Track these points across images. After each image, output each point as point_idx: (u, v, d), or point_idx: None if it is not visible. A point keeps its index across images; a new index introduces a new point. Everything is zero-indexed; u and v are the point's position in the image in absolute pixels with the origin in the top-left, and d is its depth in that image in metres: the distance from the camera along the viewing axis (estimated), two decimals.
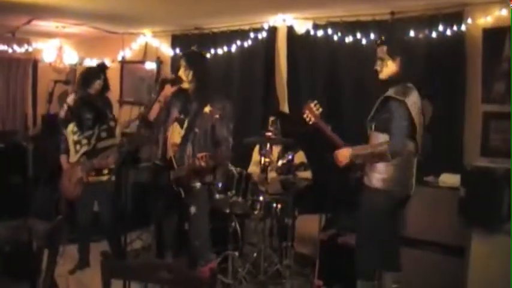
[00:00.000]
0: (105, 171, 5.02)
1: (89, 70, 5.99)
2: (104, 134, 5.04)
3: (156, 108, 4.36)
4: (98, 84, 5.78)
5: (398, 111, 3.59)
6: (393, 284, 3.93)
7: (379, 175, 3.74)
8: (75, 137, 5.06)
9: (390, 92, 3.70)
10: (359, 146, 3.80)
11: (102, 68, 6.01)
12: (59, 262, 3.07)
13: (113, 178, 4.98)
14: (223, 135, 4.08)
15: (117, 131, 5.15)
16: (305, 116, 4.08)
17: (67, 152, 5.15)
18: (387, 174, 3.72)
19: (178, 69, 4.26)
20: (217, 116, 4.04)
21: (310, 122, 4.06)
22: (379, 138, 3.70)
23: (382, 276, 3.98)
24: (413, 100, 3.64)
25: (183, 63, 4.20)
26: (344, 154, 3.82)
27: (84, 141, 5.03)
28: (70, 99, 5.95)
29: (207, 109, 4.09)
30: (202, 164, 3.88)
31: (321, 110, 4.05)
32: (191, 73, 4.16)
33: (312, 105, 4.07)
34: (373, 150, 3.69)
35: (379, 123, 3.74)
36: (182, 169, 4.11)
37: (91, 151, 4.99)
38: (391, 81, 3.78)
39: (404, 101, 3.59)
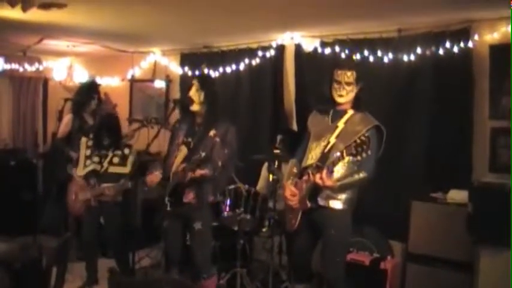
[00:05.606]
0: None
1: (82, 91, 6.11)
2: (116, 160, 5.00)
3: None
4: (93, 104, 5.91)
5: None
6: None
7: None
8: (88, 152, 5.04)
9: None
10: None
11: (94, 87, 6.16)
12: (68, 279, 3.08)
13: (119, 198, 4.96)
14: (215, 157, 4.08)
15: (131, 159, 5.04)
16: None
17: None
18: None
19: (189, 90, 4.29)
20: (217, 139, 4.09)
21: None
22: None
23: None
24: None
25: (195, 84, 4.25)
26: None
27: (96, 159, 5.01)
28: (67, 118, 5.96)
29: (211, 133, 4.14)
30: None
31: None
32: (203, 95, 4.22)
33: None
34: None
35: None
36: (171, 184, 4.21)
37: (102, 174, 4.98)
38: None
39: None
